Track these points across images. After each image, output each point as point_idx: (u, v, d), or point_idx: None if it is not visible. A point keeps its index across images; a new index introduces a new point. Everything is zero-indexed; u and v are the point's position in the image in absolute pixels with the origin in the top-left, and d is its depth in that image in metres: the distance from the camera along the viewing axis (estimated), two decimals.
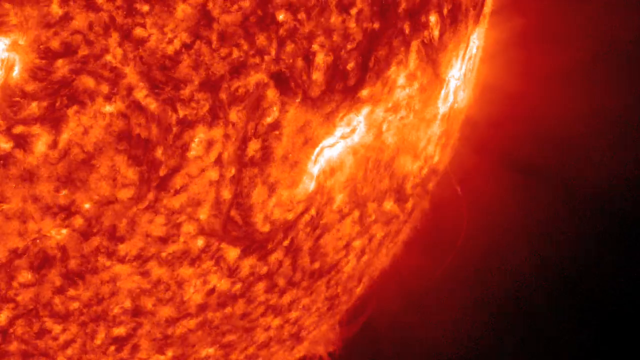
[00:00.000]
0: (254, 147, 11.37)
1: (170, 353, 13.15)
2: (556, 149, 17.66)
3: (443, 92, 15.12)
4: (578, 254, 16.29)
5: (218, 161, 11.13)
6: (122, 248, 11.18)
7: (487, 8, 16.59)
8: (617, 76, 16.92)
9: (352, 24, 11.76)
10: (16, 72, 9.47)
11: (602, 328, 16.19)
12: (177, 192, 11.08)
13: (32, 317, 11.32)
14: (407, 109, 13.82)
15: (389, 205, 15.07)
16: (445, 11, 13.88)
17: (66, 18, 9.53)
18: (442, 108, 15.45)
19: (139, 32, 9.99)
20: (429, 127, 15.23)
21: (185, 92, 10.47)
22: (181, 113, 10.53)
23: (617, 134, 16.68)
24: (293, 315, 14.96)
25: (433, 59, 13.98)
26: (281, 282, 13.57)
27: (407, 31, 12.87)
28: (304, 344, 16.82)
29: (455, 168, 17.28)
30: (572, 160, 17.03)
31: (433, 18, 13.57)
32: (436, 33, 13.77)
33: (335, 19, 11.52)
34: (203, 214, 11.49)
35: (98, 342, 12.14)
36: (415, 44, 13.21)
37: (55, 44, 9.58)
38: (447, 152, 17.11)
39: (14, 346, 11.49)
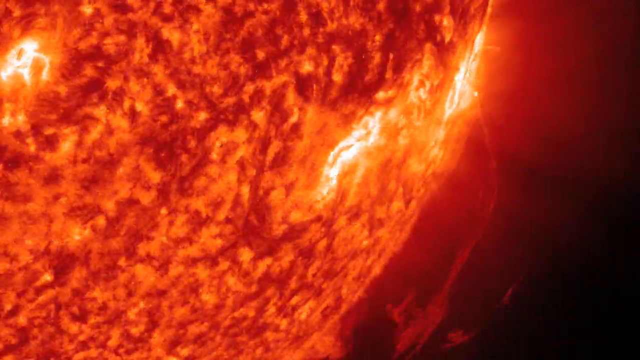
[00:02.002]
0: (274, 148, 11.39)
1: (182, 353, 13.13)
2: (557, 150, 17.76)
3: (450, 94, 15.21)
4: (583, 254, 16.39)
5: (239, 163, 11.13)
6: (142, 249, 11.15)
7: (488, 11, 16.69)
8: (618, 78, 17.02)
9: (371, 26, 11.81)
10: (45, 73, 9.42)
11: (606, 326, 16.31)
12: (198, 193, 11.07)
13: (50, 317, 11.27)
14: (418, 110, 13.89)
15: (395, 207, 15.12)
16: (456, 14, 13.96)
17: (95, 19, 9.48)
18: (449, 110, 15.53)
19: (165, 33, 9.97)
20: (436, 129, 15.31)
21: (210, 92, 10.46)
22: (206, 114, 10.52)
23: (618, 134, 16.79)
24: (300, 316, 14.98)
25: (444, 60, 14.06)
26: (293, 284, 13.59)
27: (422, 33, 12.93)
28: (307, 344, 16.85)
29: (458, 169, 17.35)
30: (574, 160, 17.13)
31: (446, 20, 13.63)
32: (448, 35, 13.85)
33: (355, 21, 11.55)
34: (222, 215, 11.48)
35: (113, 342, 12.10)
36: (429, 46, 13.27)
37: (84, 45, 9.54)
38: (450, 153, 17.17)
39: (31, 347, 11.43)
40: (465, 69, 15.65)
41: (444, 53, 13.94)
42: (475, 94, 16.96)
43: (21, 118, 9.44)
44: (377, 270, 17.12)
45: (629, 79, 16.93)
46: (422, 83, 13.53)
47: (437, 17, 13.29)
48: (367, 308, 18.01)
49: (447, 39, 13.89)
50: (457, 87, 15.52)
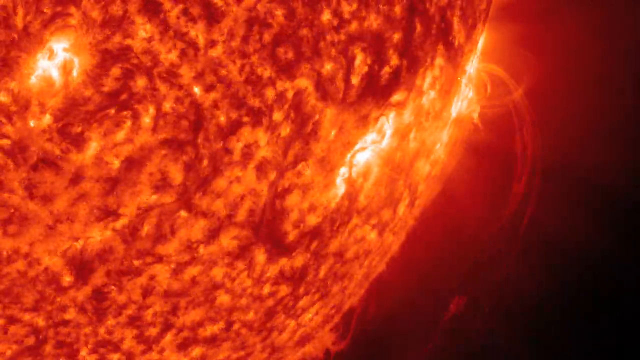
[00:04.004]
0: (294, 149, 11.40)
1: (194, 354, 13.12)
2: (557, 151, 17.85)
3: (456, 95, 15.29)
4: (588, 255, 16.42)
5: (260, 164, 11.14)
6: (161, 250, 11.13)
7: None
8: (624, 78, 17.11)
9: (389, 28, 11.85)
10: (74, 73, 9.37)
11: (613, 327, 16.37)
12: (218, 195, 11.06)
13: (67, 319, 11.23)
14: (428, 112, 13.96)
15: (402, 208, 15.19)
16: (464, 15, 14.04)
17: (124, 20, 9.45)
18: (454, 112, 15.63)
19: (192, 34, 9.96)
20: (442, 130, 15.40)
21: (234, 93, 10.46)
22: (229, 115, 10.52)
23: (623, 136, 16.87)
24: (307, 317, 15.01)
25: (453, 62, 14.13)
26: (304, 285, 13.62)
27: (435, 35, 12.99)
28: (309, 344, 16.88)
29: (459, 170, 17.43)
30: (575, 161, 17.20)
31: (456, 22, 13.71)
32: (458, 37, 13.93)
33: (374, 23, 11.59)
34: (241, 216, 11.48)
35: (127, 343, 12.07)
36: (440, 48, 13.34)
37: (112, 45, 9.51)
38: (451, 154, 17.26)
39: (47, 348, 11.39)
40: (469, 70, 15.75)
41: (453, 55, 14.02)
42: (476, 95, 17.05)
43: (49, 118, 9.40)
44: (379, 269, 17.19)
45: (634, 80, 17.05)
46: (432, 85, 13.61)
47: (449, 19, 13.36)
48: (368, 307, 18.06)
49: (456, 41, 13.97)
50: (462, 88, 15.61)
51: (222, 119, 10.50)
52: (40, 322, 10.95)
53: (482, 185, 18.00)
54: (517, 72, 17.83)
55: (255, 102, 10.67)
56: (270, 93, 10.77)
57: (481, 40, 16.34)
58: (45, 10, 9.01)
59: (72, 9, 9.17)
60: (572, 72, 17.78)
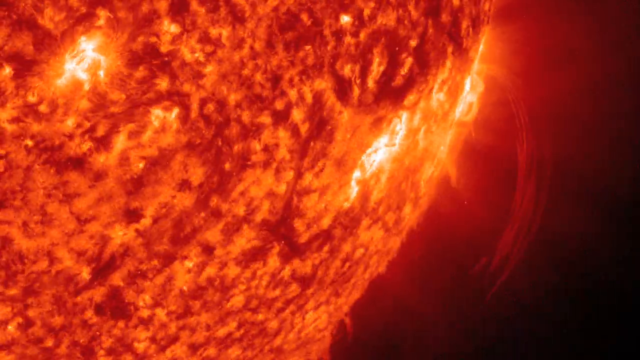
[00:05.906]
0: (313, 151, 11.43)
1: (205, 354, 13.13)
2: (555, 153, 17.95)
3: (460, 97, 15.38)
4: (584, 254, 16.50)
5: (279, 165, 11.16)
6: (181, 251, 11.13)
7: None
8: (624, 78, 17.21)
9: (405, 31, 11.91)
10: (101, 74, 9.36)
11: (614, 327, 16.46)
12: (238, 196, 11.08)
13: (85, 319, 11.20)
14: (437, 114, 14.03)
15: (407, 209, 15.25)
16: (471, 18, 14.12)
17: (152, 20, 9.46)
18: (457, 114, 15.71)
19: (217, 35, 9.98)
20: (448, 131, 15.48)
21: (256, 94, 10.48)
22: (251, 115, 10.54)
23: (623, 134, 16.94)
24: (312, 318, 15.04)
25: (460, 64, 14.21)
26: (314, 286, 13.65)
27: (447, 37, 13.06)
28: (311, 345, 16.91)
29: (463, 171, 17.51)
30: (576, 161, 17.29)
31: (465, 25, 13.78)
32: (466, 39, 14.01)
33: (391, 26, 11.64)
34: (259, 217, 11.50)
35: (141, 345, 12.06)
36: (450, 50, 13.41)
37: (139, 45, 9.50)
38: (451, 155, 17.34)
39: (64, 347, 11.37)
40: (472, 72, 15.84)
41: (461, 57, 14.09)
42: (475, 97, 17.14)
43: (76, 118, 9.37)
44: (381, 270, 17.24)
45: (634, 81, 17.16)
46: (441, 87, 13.68)
47: (459, 21, 13.43)
48: (368, 307, 18.11)
49: (464, 43, 14.06)
50: (466, 90, 15.70)
51: (245, 120, 10.51)
52: (58, 322, 10.90)
53: (484, 186, 18.07)
54: (517, 72, 17.92)
55: (276, 104, 10.69)
56: (291, 94, 10.79)
57: (482, 42, 16.42)
58: (73, 11, 8.99)
59: (100, 10, 9.15)
60: (572, 73, 17.88)
